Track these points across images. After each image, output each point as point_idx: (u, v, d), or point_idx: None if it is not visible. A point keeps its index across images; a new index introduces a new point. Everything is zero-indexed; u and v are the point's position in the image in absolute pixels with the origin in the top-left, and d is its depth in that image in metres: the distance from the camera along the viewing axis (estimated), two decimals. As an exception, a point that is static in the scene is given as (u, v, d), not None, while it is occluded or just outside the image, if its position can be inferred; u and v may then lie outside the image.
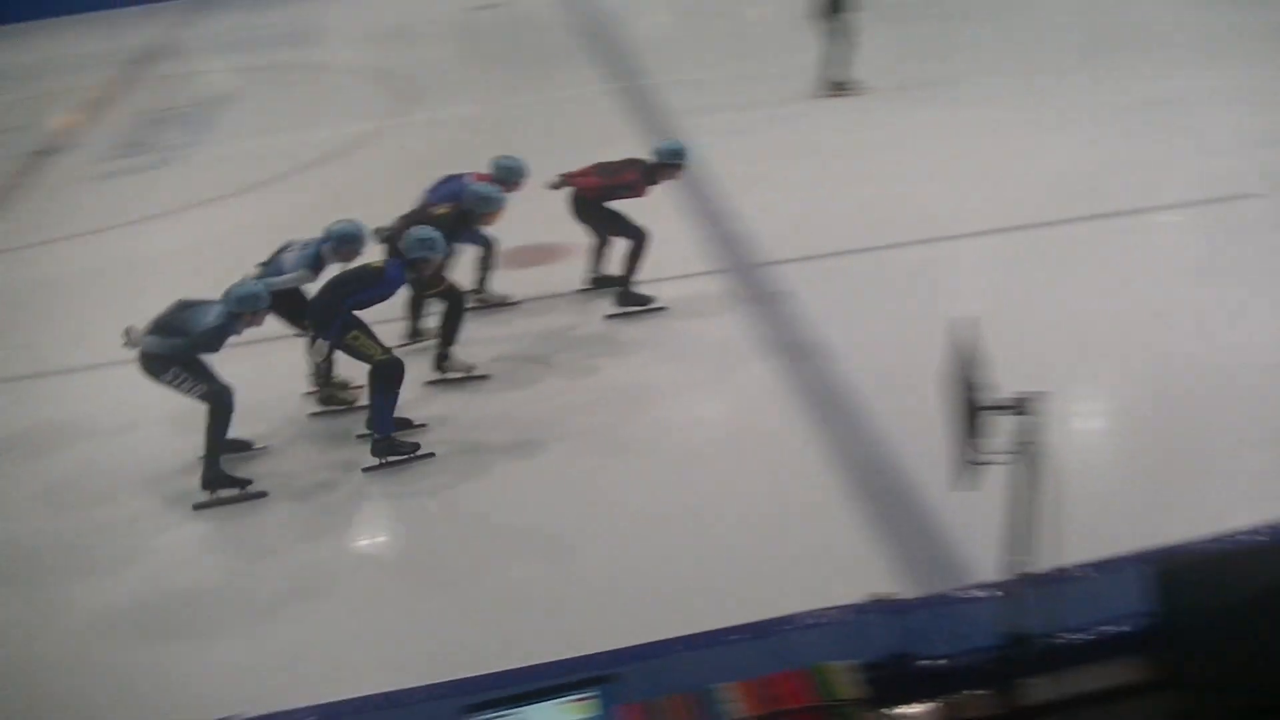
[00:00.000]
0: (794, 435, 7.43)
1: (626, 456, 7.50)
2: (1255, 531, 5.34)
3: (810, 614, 5.14)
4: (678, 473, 7.25)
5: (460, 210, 8.53)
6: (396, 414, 7.68)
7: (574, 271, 9.96)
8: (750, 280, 9.66)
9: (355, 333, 7.55)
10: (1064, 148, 11.87)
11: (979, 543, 5.47)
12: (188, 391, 7.36)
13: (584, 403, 8.18)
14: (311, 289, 7.90)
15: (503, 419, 8.08)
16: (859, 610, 5.07)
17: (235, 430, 7.58)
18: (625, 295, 9.35)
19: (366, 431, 7.84)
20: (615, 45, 18.14)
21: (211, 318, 7.32)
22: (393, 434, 7.66)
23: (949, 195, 11.03)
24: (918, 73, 15.11)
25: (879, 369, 7.99)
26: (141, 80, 20.85)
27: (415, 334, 9.13)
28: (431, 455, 7.67)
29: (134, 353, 7.39)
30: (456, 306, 8.49)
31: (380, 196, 12.35)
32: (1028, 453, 4.06)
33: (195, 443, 7.55)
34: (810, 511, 6.65)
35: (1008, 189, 11.03)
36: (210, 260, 11.37)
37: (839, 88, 14.25)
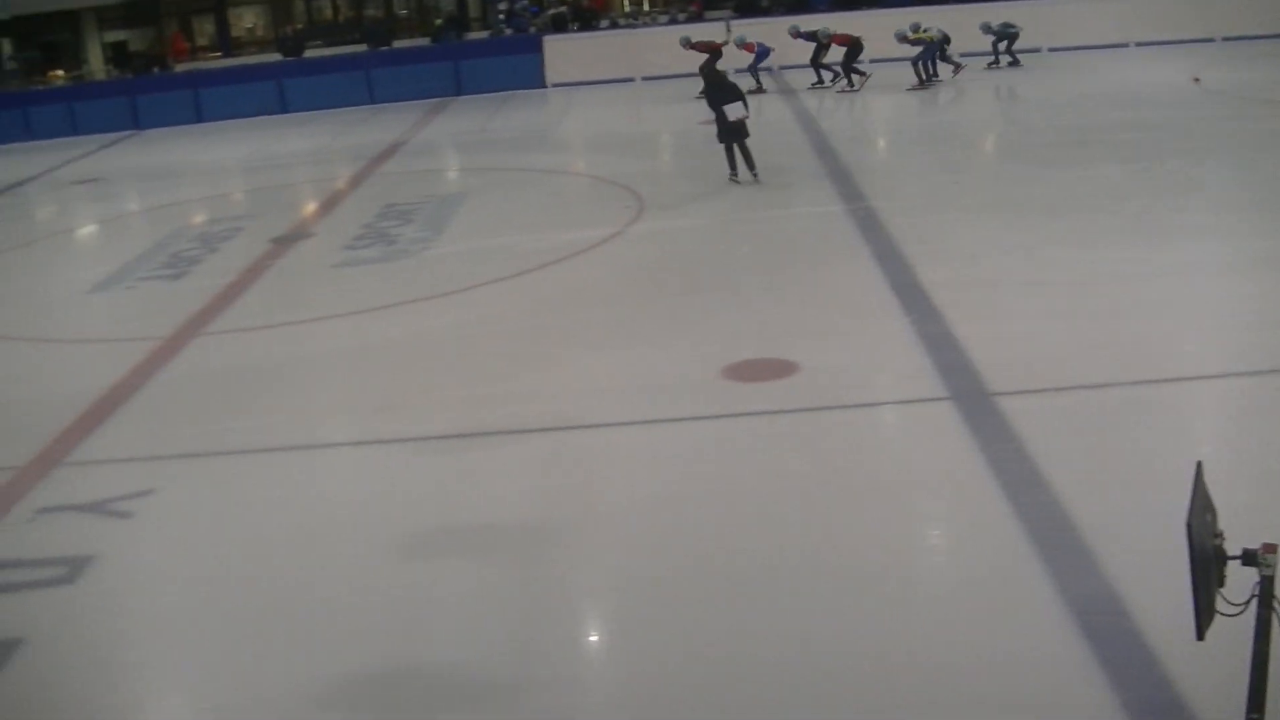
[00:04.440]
0: (1020, 574, 7.13)
1: (849, 590, 7.29)
2: None
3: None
4: (897, 609, 7.02)
5: None
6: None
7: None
8: (975, 408, 9.44)
9: None
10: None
11: (1214, 698, 5.18)
12: None
13: (789, 522, 8.04)
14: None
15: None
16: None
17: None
18: None
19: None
20: (843, 165, 18.07)
21: None
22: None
23: (1179, 332, 10.67)
24: (1152, 206, 14.71)
25: (1109, 508, 7.66)
26: (382, 175, 21.61)
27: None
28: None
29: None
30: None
31: (604, 300, 12.64)
32: (1266, 606, 3.86)
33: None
34: (1036, 655, 6.37)
35: (1235, 330, 10.63)
36: (431, 351, 11.68)
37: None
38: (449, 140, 24.91)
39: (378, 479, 9.27)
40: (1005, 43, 27.65)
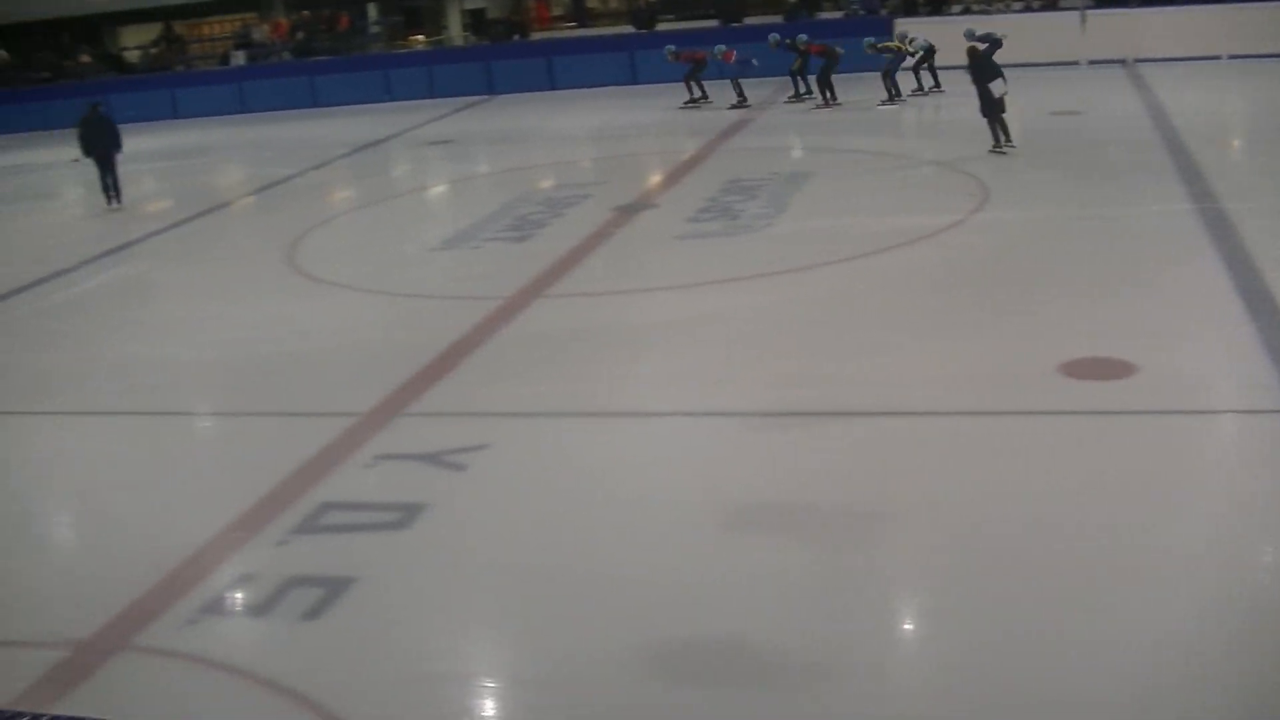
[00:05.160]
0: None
1: (1166, 601, 6.88)
2: None
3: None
4: (1214, 624, 6.56)
5: None
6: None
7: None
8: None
9: None
10: None
11: None
12: None
13: (1108, 526, 7.62)
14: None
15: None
16: None
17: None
18: None
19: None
20: (1194, 163, 17.14)
21: None
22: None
23: None
24: None
25: None
26: (728, 150, 21.64)
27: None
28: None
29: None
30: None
31: (938, 288, 12.31)
32: None
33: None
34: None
35: None
36: (762, 328, 11.58)
37: None
38: (795, 119, 24.71)
39: (702, 451, 9.24)
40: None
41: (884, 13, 31.56)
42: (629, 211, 17.11)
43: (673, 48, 27.06)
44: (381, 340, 12.41)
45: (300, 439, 9.89)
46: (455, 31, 38.44)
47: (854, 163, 19.62)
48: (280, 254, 16.32)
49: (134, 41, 41.12)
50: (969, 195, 16.16)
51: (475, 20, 39.09)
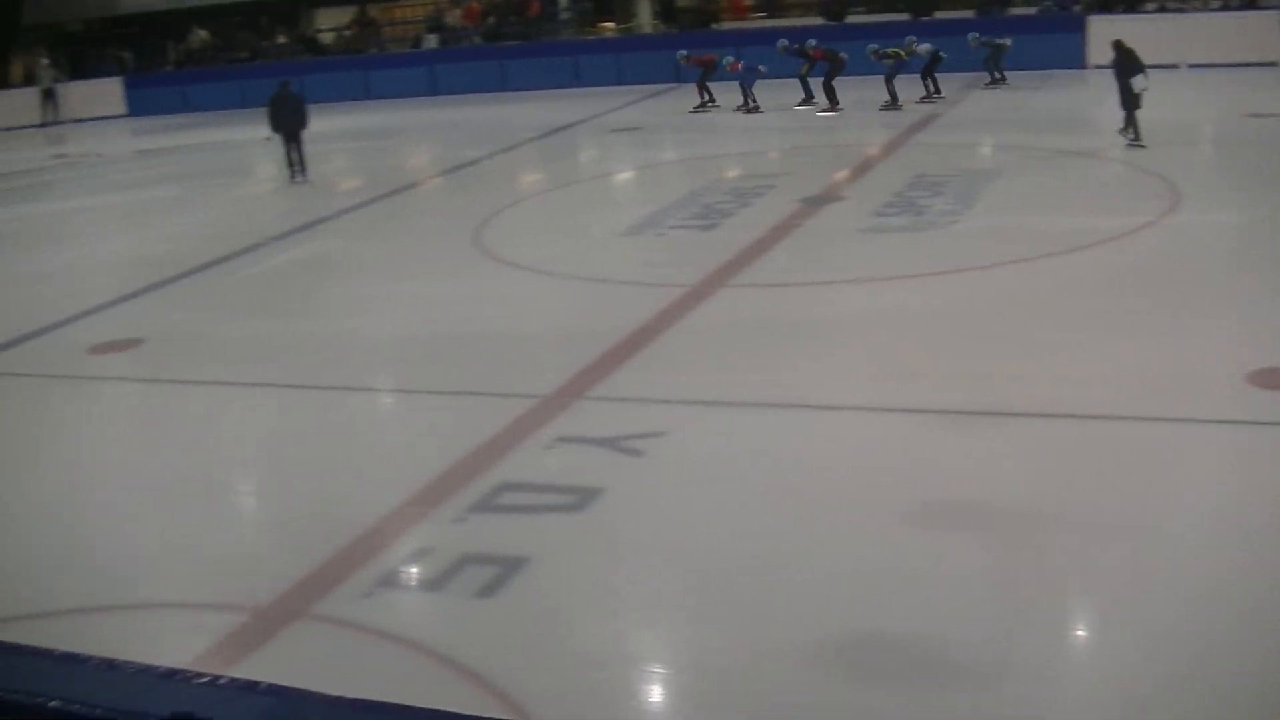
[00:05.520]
0: None
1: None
2: None
3: None
4: None
5: None
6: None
7: None
8: None
9: None
10: None
11: None
12: None
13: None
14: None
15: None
16: None
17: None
18: None
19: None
20: None
21: None
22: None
23: None
24: None
25: None
26: (915, 145, 21.34)
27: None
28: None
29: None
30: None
31: (1125, 291, 11.95)
32: None
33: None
34: None
35: None
36: (946, 325, 11.38)
37: None
38: (983, 115, 24.30)
39: (884, 446, 9.07)
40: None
41: (1077, 9, 30.84)
42: (815, 204, 16.93)
43: (684, 52, 28.27)
44: (565, 323, 12.46)
45: (481, 418, 9.96)
46: (644, 19, 38.47)
47: (1044, 161, 19.19)
48: (467, 235, 16.48)
49: (329, 24, 42.02)
50: (1160, 197, 15.67)
51: (665, 8, 39.09)
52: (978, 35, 26.63)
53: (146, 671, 5.01)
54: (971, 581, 7.06)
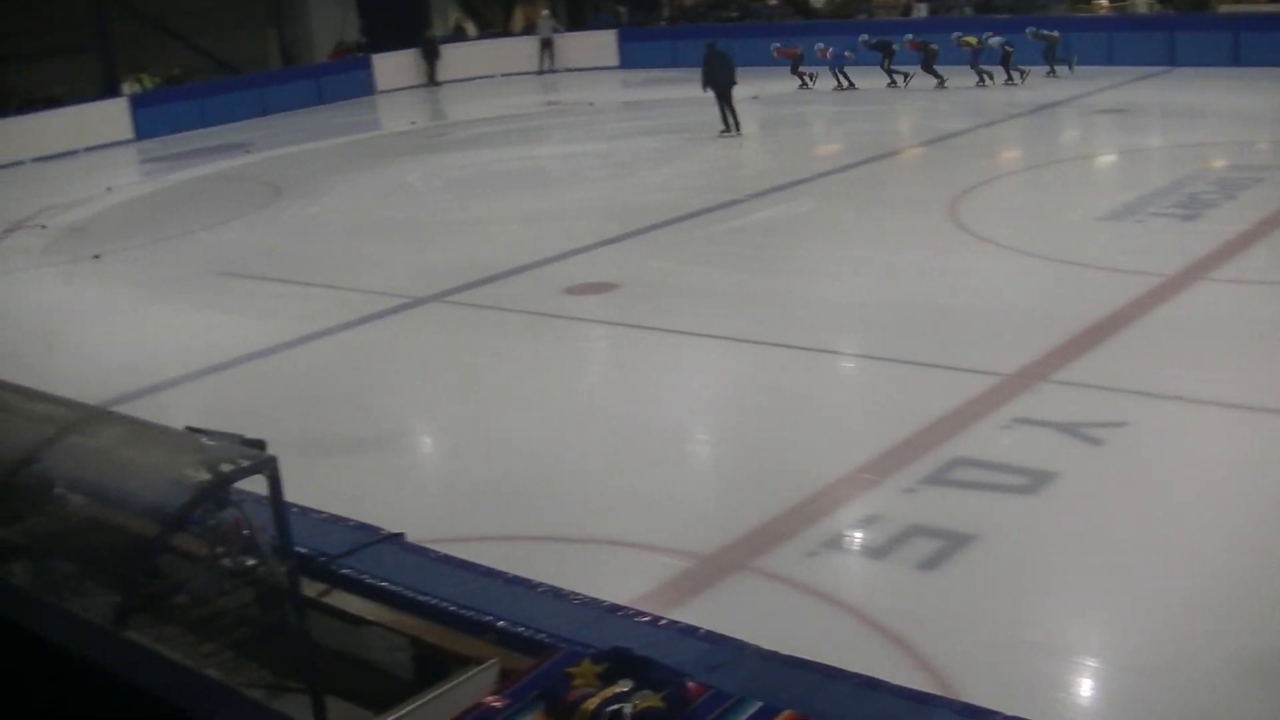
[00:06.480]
0: None
1: None
2: None
3: None
4: None
5: None
6: None
7: None
8: None
9: None
10: None
11: None
12: None
13: None
14: None
15: None
16: None
17: None
18: None
19: None
20: None
21: None
22: None
23: None
24: None
25: None
26: None
27: None
28: None
29: None
30: None
31: None
32: None
33: None
34: None
35: None
36: None
37: None
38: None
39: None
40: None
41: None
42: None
43: (777, 44, 30.68)
44: (1033, 304, 12.22)
45: (940, 391, 9.93)
46: (1141, 0, 36.91)
47: None
48: (942, 207, 16.33)
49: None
50: None
51: (1170, -14, 37.41)
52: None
53: (592, 605, 5.32)
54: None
